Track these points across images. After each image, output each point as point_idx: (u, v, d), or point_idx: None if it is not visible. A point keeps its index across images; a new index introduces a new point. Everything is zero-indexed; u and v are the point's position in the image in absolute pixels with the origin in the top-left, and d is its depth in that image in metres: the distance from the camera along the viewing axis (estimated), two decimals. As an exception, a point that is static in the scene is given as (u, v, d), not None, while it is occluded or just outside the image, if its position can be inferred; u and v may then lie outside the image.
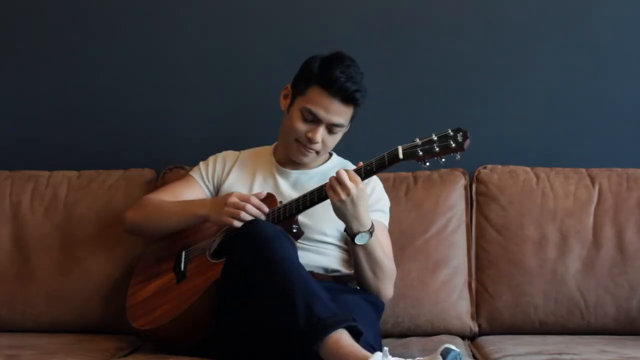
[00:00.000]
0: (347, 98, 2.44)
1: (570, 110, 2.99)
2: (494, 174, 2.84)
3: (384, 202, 2.61)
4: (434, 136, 2.26)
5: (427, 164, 2.27)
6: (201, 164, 2.68)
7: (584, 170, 2.84)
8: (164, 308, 2.40)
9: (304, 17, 3.04)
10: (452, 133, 2.24)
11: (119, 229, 2.78)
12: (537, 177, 2.82)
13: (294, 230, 2.39)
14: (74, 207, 2.83)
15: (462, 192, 2.83)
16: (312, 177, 2.58)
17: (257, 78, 3.04)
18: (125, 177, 2.88)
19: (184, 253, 2.50)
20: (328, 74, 2.42)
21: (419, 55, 3.01)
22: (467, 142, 2.23)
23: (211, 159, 2.68)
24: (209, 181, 2.64)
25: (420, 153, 2.25)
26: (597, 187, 2.79)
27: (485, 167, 2.87)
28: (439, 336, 2.66)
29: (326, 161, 2.63)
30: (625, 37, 2.99)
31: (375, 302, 2.44)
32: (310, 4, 3.04)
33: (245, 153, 2.70)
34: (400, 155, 2.26)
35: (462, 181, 2.84)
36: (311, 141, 2.47)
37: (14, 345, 2.51)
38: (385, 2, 3.03)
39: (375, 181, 2.61)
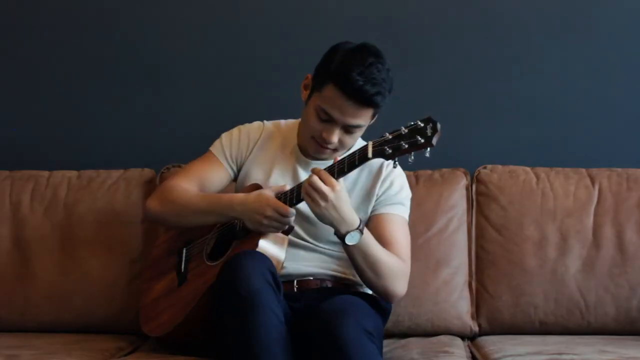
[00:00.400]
0: (365, 101, 2.28)
1: (570, 110, 3.00)
2: (494, 174, 2.84)
3: (404, 194, 2.47)
4: (403, 129, 2.13)
5: (397, 162, 2.16)
6: (223, 139, 2.54)
7: (584, 170, 2.84)
8: (166, 315, 2.41)
9: (304, 17, 3.04)
10: (421, 125, 2.11)
11: (119, 228, 2.79)
12: (537, 177, 2.82)
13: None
14: (74, 207, 2.83)
15: (464, 192, 2.82)
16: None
17: (257, 78, 3.04)
18: (125, 177, 2.88)
19: (184, 251, 2.49)
20: (345, 74, 2.25)
21: (419, 55, 3.01)
22: (437, 137, 2.09)
23: (234, 134, 2.54)
24: (232, 161, 2.52)
25: (389, 151, 2.13)
26: (597, 187, 2.79)
27: (485, 167, 2.87)
28: (438, 337, 2.66)
29: (349, 149, 2.43)
30: (626, 36, 2.99)
31: (378, 301, 2.39)
32: (310, 3, 3.04)
33: (269, 128, 2.55)
34: (370, 155, 2.17)
35: (463, 181, 2.83)
36: (327, 142, 2.34)
37: (14, 345, 2.51)
38: (385, 2, 3.03)
39: (395, 173, 2.47)
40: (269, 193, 2.31)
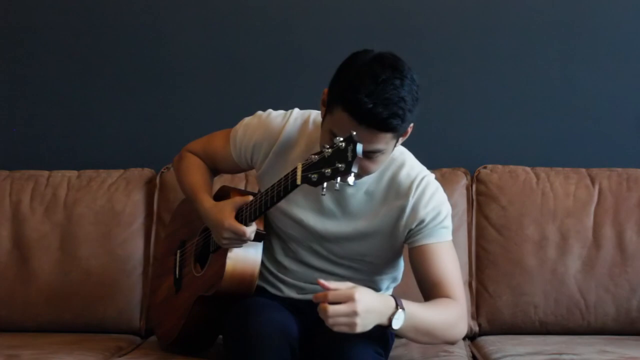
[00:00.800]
0: (378, 126, 1.93)
1: (570, 110, 3.00)
2: (494, 174, 2.84)
3: (444, 214, 2.13)
4: (326, 150, 1.88)
5: (324, 189, 1.89)
6: (239, 133, 2.28)
7: (584, 170, 2.84)
8: (168, 324, 2.42)
9: (303, 17, 3.03)
10: (343, 145, 1.85)
11: (119, 228, 2.80)
12: (537, 177, 2.82)
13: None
14: (73, 206, 2.83)
15: (464, 191, 2.82)
16: (358, 189, 2.12)
17: (257, 78, 3.04)
18: (125, 176, 2.88)
19: (178, 254, 2.48)
20: (352, 96, 1.92)
21: (419, 55, 3.00)
22: (356, 162, 1.83)
23: (249, 131, 2.26)
24: (243, 158, 2.28)
25: (314, 178, 1.89)
26: (597, 187, 2.79)
27: (485, 167, 2.87)
28: (438, 336, 2.66)
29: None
30: (626, 36, 2.99)
31: None
32: (309, 3, 3.04)
33: (292, 128, 2.21)
34: (298, 182, 1.94)
35: (463, 181, 2.83)
36: None
37: (14, 345, 2.51)
38: (384, 2, 3.03)
39: (428, 193, 2.13)
40: (229, 209, 2.15)
